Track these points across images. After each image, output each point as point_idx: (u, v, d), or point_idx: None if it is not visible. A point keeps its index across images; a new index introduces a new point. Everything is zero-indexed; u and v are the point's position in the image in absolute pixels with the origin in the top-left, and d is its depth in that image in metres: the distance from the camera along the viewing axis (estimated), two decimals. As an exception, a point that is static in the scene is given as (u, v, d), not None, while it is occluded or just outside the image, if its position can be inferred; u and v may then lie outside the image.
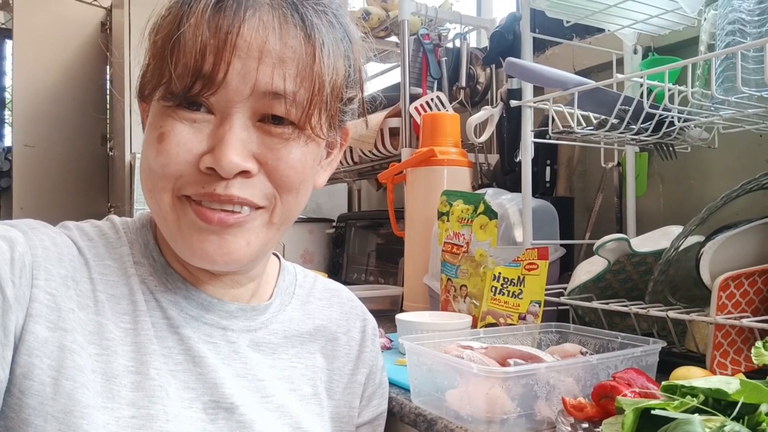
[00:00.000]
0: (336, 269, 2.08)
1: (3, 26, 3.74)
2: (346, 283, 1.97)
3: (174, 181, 0.52)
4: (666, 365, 0.75)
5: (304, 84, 0.52)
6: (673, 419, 0.44)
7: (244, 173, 0.52)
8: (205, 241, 0.53)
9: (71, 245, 0.55)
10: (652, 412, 0.46)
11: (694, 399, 0.48)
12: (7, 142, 3.64)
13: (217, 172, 0.51)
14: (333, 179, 2.24)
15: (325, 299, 0.71)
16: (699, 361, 0.81)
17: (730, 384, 0.48)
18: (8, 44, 3.69)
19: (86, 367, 0.50)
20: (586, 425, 0.61)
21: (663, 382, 0.53)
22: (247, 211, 0.54)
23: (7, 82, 3.79)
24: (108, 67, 3.50)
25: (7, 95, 3.79)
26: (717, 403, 0.48)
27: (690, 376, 0.66)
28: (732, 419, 0.45)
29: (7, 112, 3.82)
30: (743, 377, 0.51)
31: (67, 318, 0.51)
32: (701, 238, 0.86)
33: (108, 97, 3.51)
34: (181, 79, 0.50)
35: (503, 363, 0.72)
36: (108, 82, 3.51)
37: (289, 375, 0.63)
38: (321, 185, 0.63)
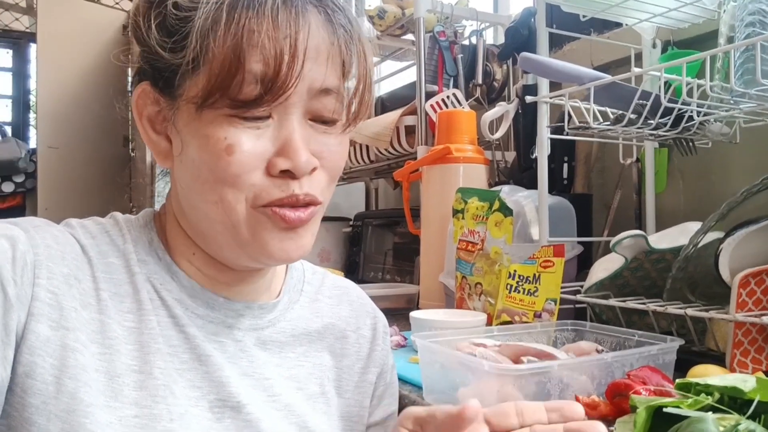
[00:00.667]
0: (353, 268, 2.08)
1: (27, 30, 3.80)
2: (362, 281, 1.98)
3: (247, 190, 0.52)
4: (686, 364, 0.73)
5: (352, 80, 0.56)
6: (686, 417, 0.43)
7: (312, 170, 0.54)
8: (286, 240, 0.54)
9: (74, 243, 0.55)
10: (665, 409, 0.45)
11: (709, 397, 0.47)
12: (32, 144, 3.70)
13: (290, 174, 0.52)
14: (350, 178, 2.24)
15: (334, 297, 0.70)
16: (719, 359, 0.79)
17: (746, 382, 0.47)
18: (32, 48, 3.75)
19: (89, 366, 0.50)
20: (599, 424, 0.60)
21: (677, 380, 0.52)
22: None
23: (32, 85, 3.85)
24: (129, 69, 3.54)
25: (32, 98, 3.86)
26: (733, 402, 0.47)
27: (707, 374, 0.65)
28: (748, 418, 0.44)
29: (31, 115, 3.89)
30: (763, 376, 0.50)
31: (70, 316, 0.50)
32: (721, 235, 0.84)
33: (130, 99, 3.55)
34: (250, 88, 0.50)
35: (517, 361, 0.72)
36: (129, 84, 3.55)
37: (296, 374, 0.63)
38: None
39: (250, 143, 0.51)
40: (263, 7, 0.50)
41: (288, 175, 0.52)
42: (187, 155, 0.54)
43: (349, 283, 0.74)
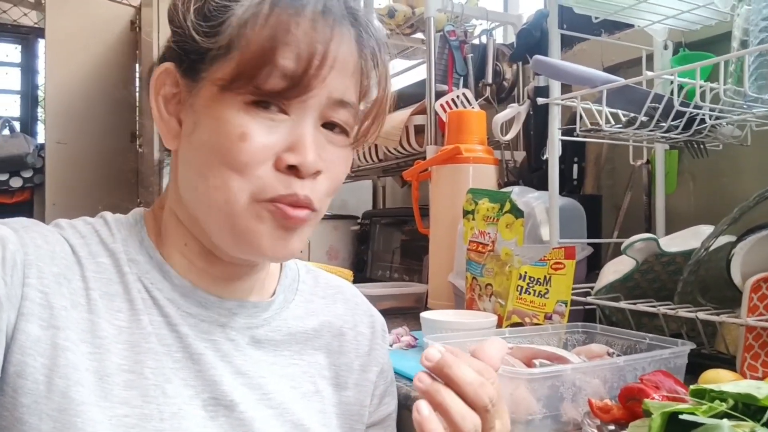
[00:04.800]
0: (361, 266, 2.09)
1: (35, 26, 3.82)
2: (370, 280, 1.98)
3: (252, 181, 0.53)
4: (695, 367, 0.74)
5: (370, 98, 0.58)
6: (701, 424, 0.43)
7: (316, 173, 0.55)
8: (278, 239, 0.55)
9: (63, 243, 0.55)
10: (680, 416, 0.45)
11: (723, 403, 0.47)
12: (40, 139, 3.72)
13: (296, 172, 0.53)
14: (358, 176, 2.25)
15: (328, 296, 0.71)
16: (729, 362, 0.79)
17: (760, 389, 0.47)
18: (41, 43, 3.76)
19: (80, 365, 0.50)
20: (612, 427, 0.61)
21: (691, 386, 0.52)
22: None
23: (40, 80, 3.87)
24: (137, 65, 3.55)
25: (40, 93, 3.87)
26: (746, 408, 0.48)
27: (719, 379, 0.65)
28: (762, 425, 0.44)
29: (40, 110, 3.91)
30: (775, 381, 0.50)
31: (60, 316, 0.51)
32: (733, 238, 0.84)
33: (137, 94, 3.56)
34: (276, 81, 0.52)
35: (528, 363, 0.72)
36: (137, 80, 3.56)
37: (291, 373, 0.63)
38: None
39: (263, 134, 0.52)
40: (304, 10, 0.53)
41: (294, 172, 0.53)
42: (198, 136, 0.55)
43: (343, 282, 0.75)
